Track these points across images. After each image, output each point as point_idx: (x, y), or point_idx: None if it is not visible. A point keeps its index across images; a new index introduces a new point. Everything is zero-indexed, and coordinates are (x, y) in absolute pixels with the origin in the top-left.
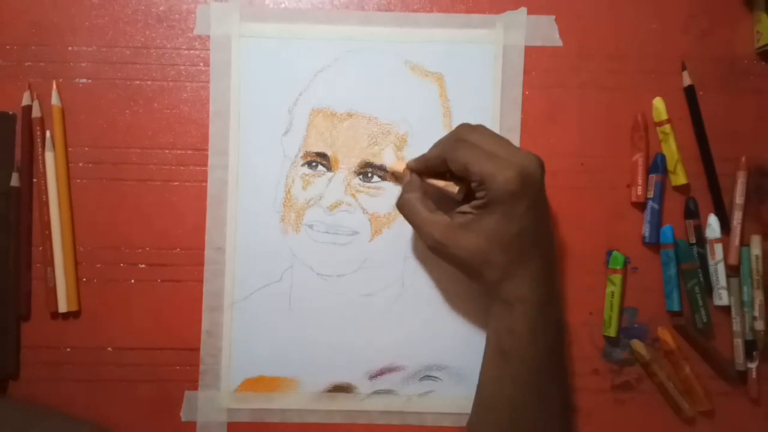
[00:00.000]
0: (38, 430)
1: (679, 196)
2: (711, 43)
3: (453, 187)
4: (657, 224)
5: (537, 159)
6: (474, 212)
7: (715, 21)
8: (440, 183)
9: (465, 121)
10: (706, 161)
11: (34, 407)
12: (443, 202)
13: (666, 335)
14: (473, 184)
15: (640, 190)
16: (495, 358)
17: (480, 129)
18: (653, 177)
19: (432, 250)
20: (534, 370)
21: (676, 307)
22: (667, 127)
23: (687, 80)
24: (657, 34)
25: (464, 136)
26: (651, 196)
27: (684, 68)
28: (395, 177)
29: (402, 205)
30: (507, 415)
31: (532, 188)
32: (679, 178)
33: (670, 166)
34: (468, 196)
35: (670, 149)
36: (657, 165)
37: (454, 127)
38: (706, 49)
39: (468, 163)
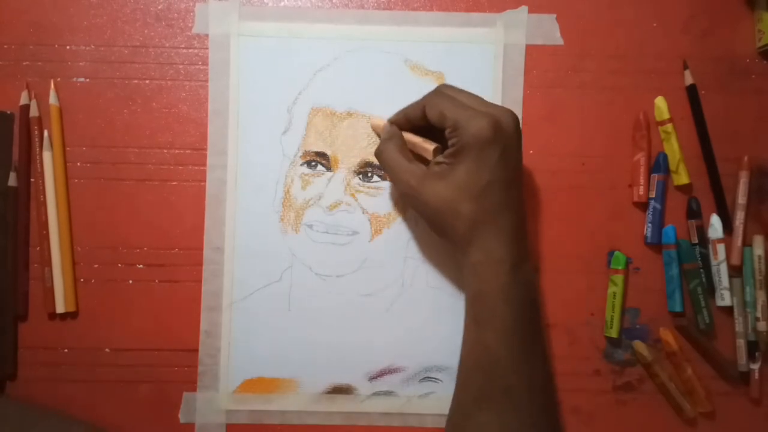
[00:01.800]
0: (36, 430)
1: (681, 196)
2: (712, 42)
3: (429, 144)
4: (659, 224)
5: (511, 112)
6: (447, 161)
7: (716, 20)
8: (417, 139)
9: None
10: (708, 161)
11: (32, 406)
12: (420, 160)
13: (668, 336)
14: (447, 131)
15: (641, 189)
16: (469, 326)
17: (459, 88)
18: (655, 177)
19: (405, 198)
20: (508, 333)
21: (678, 308)
22: (669, 127)
23: (689, 79)
24: (658, 33)
25: (444, 89)
26: (653, 195)
27: (686, 67)
28: (376, 132)
29: (380, 152)
30: (481, 386)
31: (504, 138)
32: (682, 178)
33: (672, 165)
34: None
35: (672, 149)
36: (659, 164)
37: None
38: (707, 48)
39: (444, 109)
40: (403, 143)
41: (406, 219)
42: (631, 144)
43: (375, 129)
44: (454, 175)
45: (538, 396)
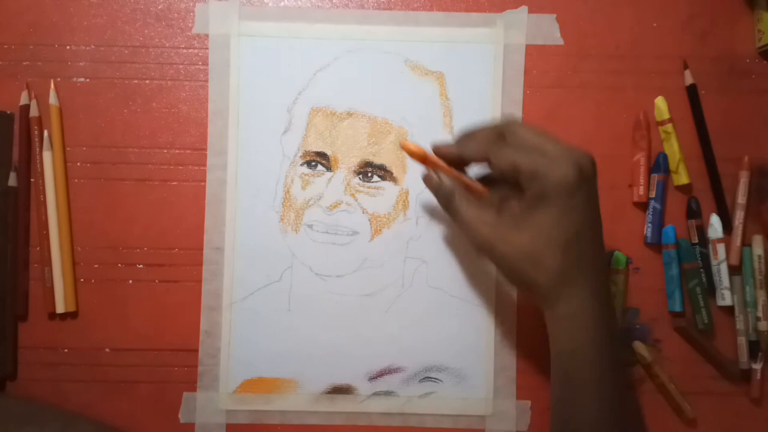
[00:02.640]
0: (41, 427)
1: (681, 196)
2: (712, 42)
3: (480, 186)
4: (659, 224)
5: (589, 155)
6: (524, 208)
7: (716, 20)
8: (467, 180)
9: (508, 114)
10: (708, 161)
11: (33, 404)
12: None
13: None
14: (523, 180)
15: (641, 190)
16: (560, 380)
17: (526, 126)
18: (655, 177)
19: (480, 250)
20: (602, 393)
21: (678, 308)
22: (669, 126)
23: (689, 79)
24: (658, 33)
25: (509, 130)
26: (653, 195)
27: (686, 67)
28: (408, 152)
29: (447, 202)
30: None
31: (588, 183)
32: (682, 178)
33: (672, 165)
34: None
35: (672, 149)
36: (659, 164)
37: (454, 126)
38: (707, 48)
39: (516, 161)
40: (464, 190)
41: (406, 219)
42: (631, 144)
43: (410, 153)
44: (536, 221)
45: None
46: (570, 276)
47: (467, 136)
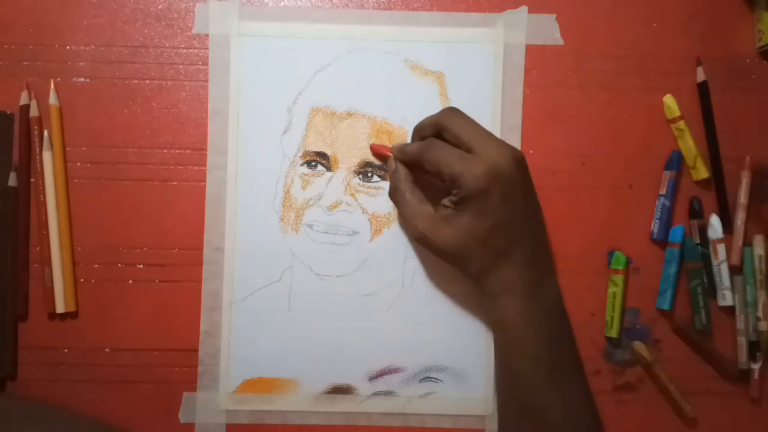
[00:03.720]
0: (42, 425)
1: (690, 195)
2: (712, 42)
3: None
4: (667, 221)
5: (510, 152)
6: (453, 207)
7: (716, 20)
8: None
9: (451, 107)
10: (714, 160)
11: (34, 404)
12: (432, 190)
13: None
14: (447, 183)
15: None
16: (497, 356)
17: (460, 118)
18: (667, 174)
19: (417, 241)
20: (533, 357)
21: (666, 306)
22: (681, 123)
23: (701, 76)
24: (658, 33)
25: (444, 124)
26: (663, 192)
27: (699, 64)
28: (377, 157)
29: (392, 194)
30: (516, 414)
31: (502, 182)
32: (701, 173)
33: (689, 161)
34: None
35: (687, 144)
36: (672, 162)
37: None
38: (707, 48)
39: (439, 164)
40: (411, 182)
41: None
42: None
43: (377, 156)
44: (460, 221)
45: (576, 414)
46: (493, 261)
47: (417, 133)
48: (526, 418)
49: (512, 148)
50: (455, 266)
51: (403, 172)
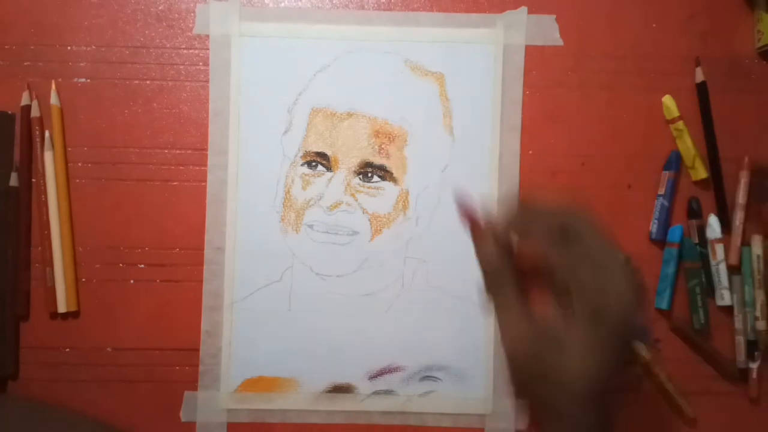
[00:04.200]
0: (44, 426)
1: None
2: (712, 42)
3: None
4: (665, 221)
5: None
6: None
7: (716, 21)
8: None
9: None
10: (713, 160)
11: (35, 404)
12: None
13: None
14: (575, 300)
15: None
16: None
17: (591, 226)
18: (666, 174)
19: (525, 362)
20: None
21: (665, 306)
22: (680, 124)
23: (700, 76)
24: (658, 33)
25: (573, 229)
26: (662, 192)
27: (698, 64)
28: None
29: (496, 295)
30: None
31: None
32: (699, 173)
33: (687, 161)
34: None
35: (686, 145)
36: (670, 162)
37: (454, 126)
38: (707, 48)
39: (574, 292)
40: (517, 280)
41: (406, 219)
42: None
43: (461, 213)
44: (585, 350)
45: None
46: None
47: (524, 215)
48: None
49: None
50: (541, 406)
51: (501, 252)
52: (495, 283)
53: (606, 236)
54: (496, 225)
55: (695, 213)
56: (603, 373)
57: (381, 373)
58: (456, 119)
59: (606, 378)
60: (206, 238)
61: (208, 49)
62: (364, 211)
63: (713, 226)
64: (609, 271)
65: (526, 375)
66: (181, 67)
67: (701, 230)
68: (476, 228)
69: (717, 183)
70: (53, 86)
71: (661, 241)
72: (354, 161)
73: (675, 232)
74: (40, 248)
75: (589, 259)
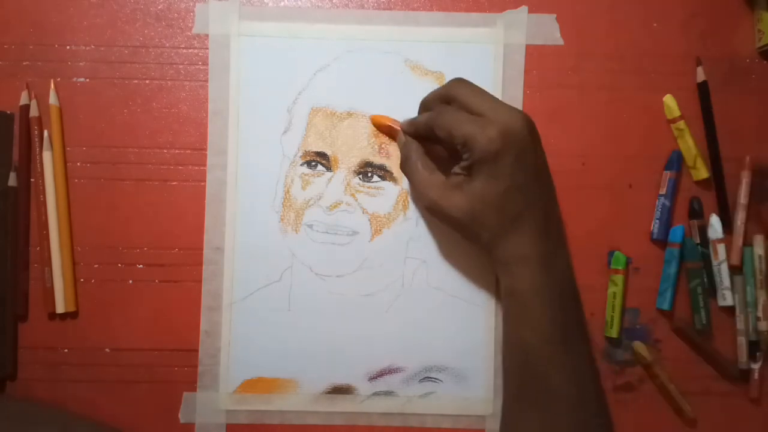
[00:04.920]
0: (39, 427)
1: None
2: (712, 42)
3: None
4: (667, 221)
5: (522, 115)
6: (464, 173)
7: (716, 20)
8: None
9: (457, 77)
10: (714, 160)
11: (33, 405)
12: (443, 163)
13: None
14: (458, 147)
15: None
16: (505, 326)
17: (467, 87)
18: (667, 174)
19: (428, 211)
20: (543, 328)
21: (666, 306)
22: (682, 123)
23: (701, 76)
24: (658, 33)
25: (452, 93)
26: (663, 192)
27: (699, 64)
28: (379, 128)
29: (403, 165)
30: (520, 384)
31: (515, 144)
32: (701, 173)
33: (689, 161)
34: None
35: (687, 144)
36: (672, 162)
37: None
38: (707, 48)
39: (451, 127)
40: (422, 153)
41: (406, 219)
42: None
43: (379, 127)
44: (472, 187)
45: (582, 386)
46: (506, 227)
47: (423, 107)
48: (531, 387)
49: (523, 113)
50: (466, 236)
51: (413, 144)
52: (404, 159)
53: (478, 89)
54: (407, 126)
55: (696, 213)
56: (494, 195)
57: (381, 374)
58: None
59: (500, 199)
60: (205, 238)
61: (207, 48)
62: (364, 211)
63: (715, 226)
64: (475, 120)
65: (443, 219)
66: (181, 66)
67: (703, 230)
68: (390, 133)
69: (718, 183)
70: (52, 86)
71: (662, 242)
72: (354, 161)
73: (676, 233)
74: (38, 248)
75: (461, 115)
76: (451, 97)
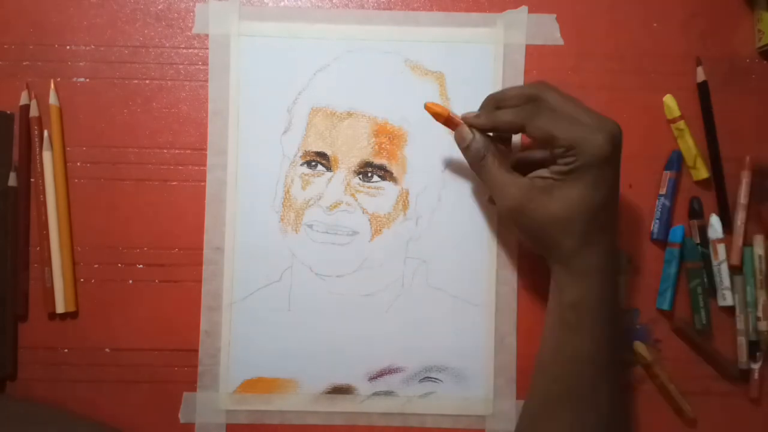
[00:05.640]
0: (39, 427)
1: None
2: (712, 42)
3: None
4: (667, 221)
5: (617, 124)
6: (556, 177)
7: (716, 20)
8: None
9: (541, 80)
10: (714, 159)
11: (33, 405)
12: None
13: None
14: (558, 151)
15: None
16: (556, 331)
17: (557, 90)
18: (667, 173)
19: (509, 213)
20: (604, 340)
21: (666, 306)
22: (682, 123)
23: (701, 76)
24: (658, 33)
25: (541, 95)
26: (663, 192)
27: (699, 63)
28: (441, 121)
29: (475, 164)
30: (568, 387)
31: (618, 154)
32: (701, 173)
33: (689, 161)
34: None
35: (687, 144)
36: (672, 162)
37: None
38: (707, 48)
39: (553, 132)
40: (499, 153)
41: (406, 219)
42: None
43: (435, 116)
44: (567, 192)
45: (615, 399)
46: (591, 238)
47: (495, 103)
48: (573, 399)
49: (615, 121)
50: (543, 243)
51: (486, 140)
52: (478, 158)
53: (567, 94)
54: (472, 120)
55: (696, 213)
56: (593, 203)
57: (381, 374)
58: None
59: (597, 208)
60: (205, 238)
61: (207, 48)
62: (364, 211)
63: (715, 226)
64: (579, 122)
65: (524, 222)
66: (181, 66)
67: (703, 230)
68: (451, 121)
69: (718, 183)
70: (52, 86)
71: (662, 242)
72: (354, 161)
73: (676, 233)
74: (38, 248)
75: (558, 116)
76: (539, 98)
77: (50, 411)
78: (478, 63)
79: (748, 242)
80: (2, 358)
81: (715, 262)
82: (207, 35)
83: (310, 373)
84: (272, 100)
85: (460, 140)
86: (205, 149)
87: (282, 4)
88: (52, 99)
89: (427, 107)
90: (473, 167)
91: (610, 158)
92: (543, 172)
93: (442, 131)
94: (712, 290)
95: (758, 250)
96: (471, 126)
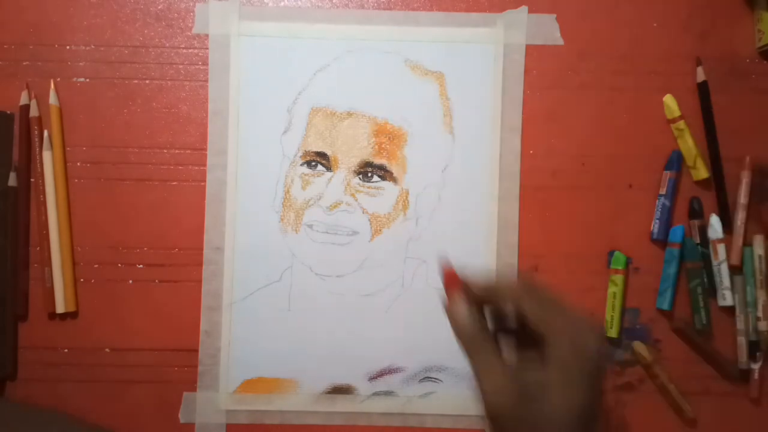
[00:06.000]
0: (38, 429)
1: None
2: (712, 42)
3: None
4: (667, 221)
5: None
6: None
7: (716, 20)
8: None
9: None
10: (714, 159)
11: (32, 406)
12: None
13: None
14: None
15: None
16: None
17: (542, 284)
18: (667, 173)
19: (489, 417)
20: None
21: (666, 306)
22: (682, 123)
23: (701, 76)
24: (658, 33)
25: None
26: (663, 192)
27: (699, 64)
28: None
29: (472, 355)
30: None
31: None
32: (700, 173)
33: (689, 161)
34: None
35: (687, 144)
36: (672, 162)
37: (454, 126)
38: (707, 48)
39: (547, 320)
40: (487, 332)
41: (406, 219)
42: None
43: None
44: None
45: None
46: None
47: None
48: None
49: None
50: None
51: (475, 316)
52: (472, 347)
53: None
54: (471, 287)
55: (696, 213)
56: (587, 402)
57: (381, 374)
58: (456, 119)
59: (590, 406)
60: (205, 238)
61: (207, 48)
62: (364, 211)
63: (715, 226)
64: (574, 313)
65: (512, 425)
66: (180, 66)
67: (703, 230)
68: (450, 294)
69: (718, 183)
70: (52, 86)
71: (662, 242)
72: (354, 161)
73: (676, 233)
74: (38, 248)
75: (557, 304)
76: (538, 284)
77: (49, 413)
78: (478, 63)
79: (748, 242)
80: (2, 358)
81: (715, 262)
82: (207, 35)
83: (310, 373)
84: (272, 100)
85: (451, 315)
86: (205, 149)
87: (282, 4)
88: (52, 99)
89: (443, 268)
90: (466, 354)
91: (596, 362)
92: (529, 364)
93: (441, 131)
94: (712, 290)
95: (758, 250)
96: (468, 290)
